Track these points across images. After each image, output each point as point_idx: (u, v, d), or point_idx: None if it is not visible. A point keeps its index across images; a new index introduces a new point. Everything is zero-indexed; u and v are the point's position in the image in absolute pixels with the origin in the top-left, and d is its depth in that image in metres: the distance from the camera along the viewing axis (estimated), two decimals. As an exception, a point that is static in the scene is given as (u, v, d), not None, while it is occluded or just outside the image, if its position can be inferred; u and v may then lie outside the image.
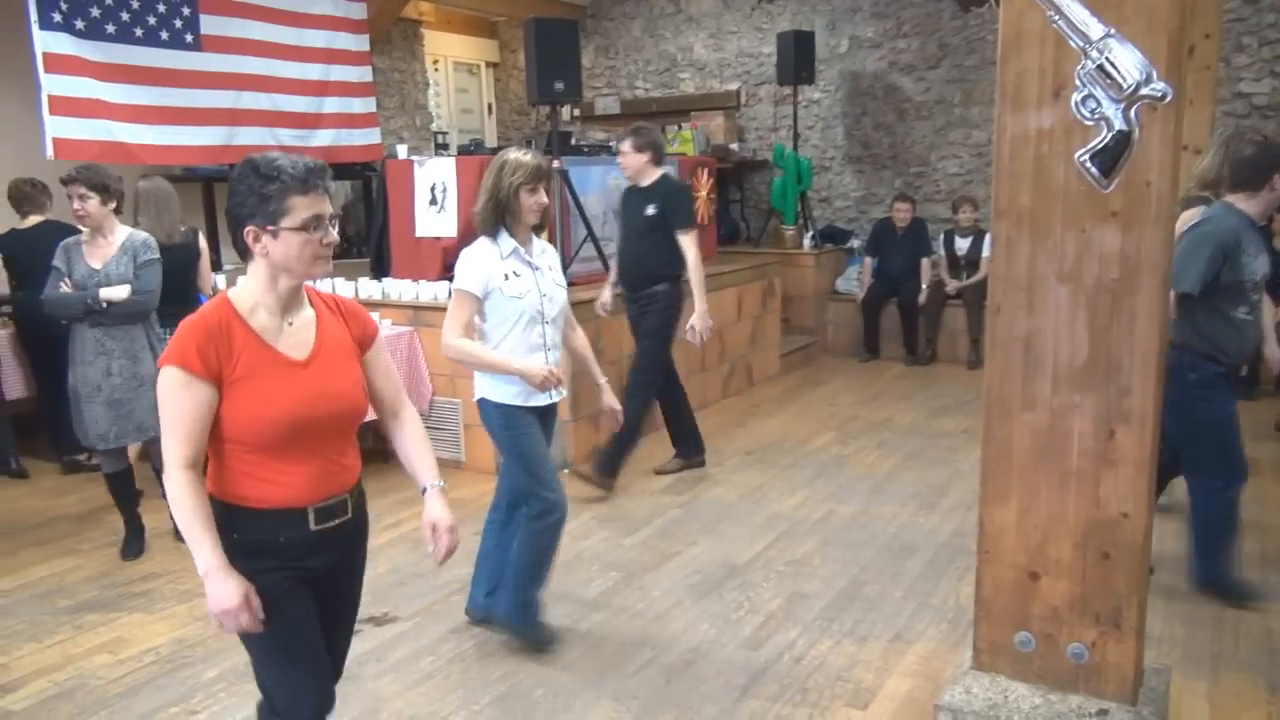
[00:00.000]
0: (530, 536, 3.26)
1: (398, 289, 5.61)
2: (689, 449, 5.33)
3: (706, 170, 7.53)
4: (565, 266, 5.50)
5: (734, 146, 8.99)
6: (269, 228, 1.87)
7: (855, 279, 8.45)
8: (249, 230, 1.89)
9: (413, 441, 2.19)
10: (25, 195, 5.28)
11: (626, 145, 4.90)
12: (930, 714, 2.71)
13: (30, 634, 3.57)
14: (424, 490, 2.15)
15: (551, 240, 5.87)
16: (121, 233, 4.16)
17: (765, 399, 6.98)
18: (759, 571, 3.98)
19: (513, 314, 3.13)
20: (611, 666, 3.23)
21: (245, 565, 1.92)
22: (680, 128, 8.75)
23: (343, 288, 5.75)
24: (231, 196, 1.90)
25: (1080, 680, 2.51)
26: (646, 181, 4.92)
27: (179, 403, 1.86)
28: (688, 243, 4.86)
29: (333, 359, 2.00)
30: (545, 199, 3.13)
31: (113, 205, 4.14)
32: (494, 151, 6.43)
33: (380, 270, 6.14)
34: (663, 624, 3.52)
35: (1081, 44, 2.31)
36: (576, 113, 9.82)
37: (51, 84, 5.53)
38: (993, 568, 2.58)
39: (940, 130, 8.49)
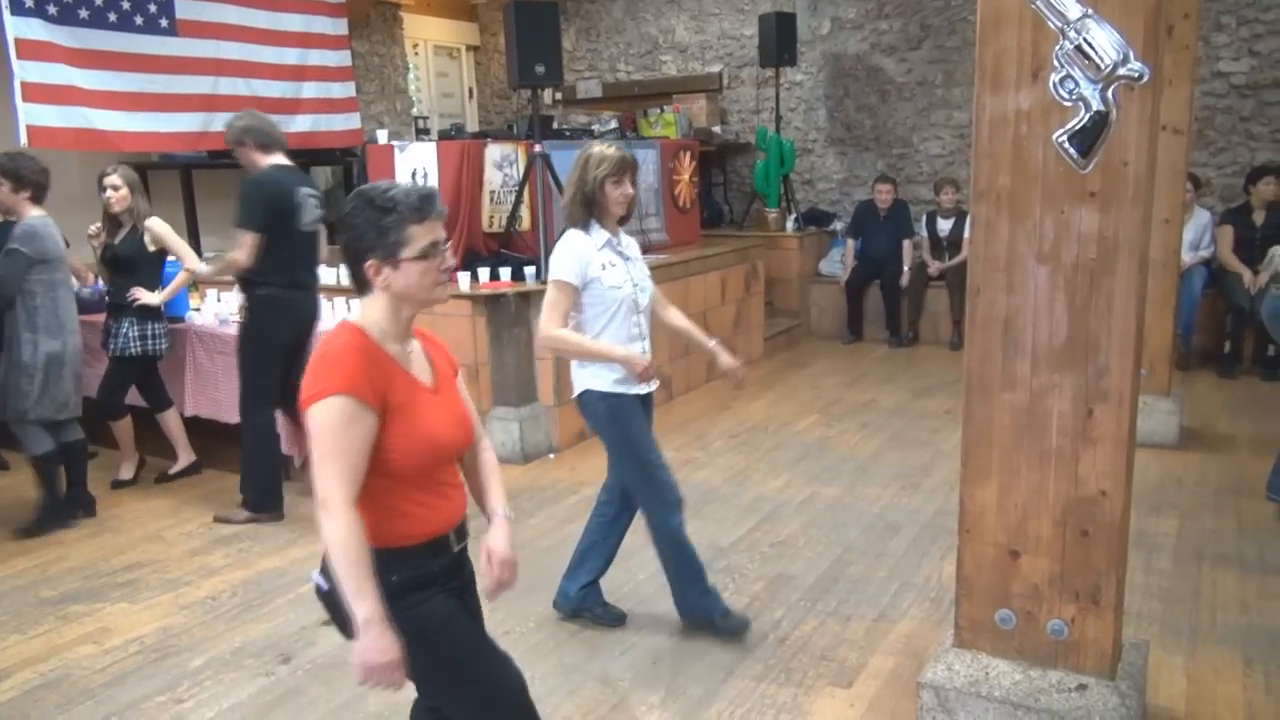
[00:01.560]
0: (662, 534, 3.24)
1: (380, 275, 5.58)
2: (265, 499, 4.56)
3: (689, 153, 7.53)
4: (548, 252, 5.49)
5: (716, 129, 8.98)
6: (389, 259, 1.85)
7: (838, 261, 8.47)
8: (370, 264, 1.86)
9: (488, 471, 2.15)
10: None
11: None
12: (913, 691, 2.75)
13: (14, 625, 3.56)
14: (491, 517, 2.10)
15: (533, 225, 5.87)
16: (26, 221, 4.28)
17: (750, 382, 6.97)
18: (744, 553, 4.00)
19: (612, 304, 3.12)
20: (598, 649, 3.25)
21: (409, 601, 1.88)
22: (663, 110, 8.73)
23: (327, 274, 5.71)
24: (347, 232, 1.88)
25: (1060, 656, 2.55)
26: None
27: (345, 435, 1.77)
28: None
29: (448, 385, 2.04)
30: (631, 190, 3.14)
31: (26, 194, 4.27)
32: (475, 136, 6.42)
33: (362, 256, 6.11)
34: (649, 606, 3.54)
35: (1059, 24, 2.32)
36: (558, 96, 9.78)
37: (24, 70, 5.47)
38: (974, 546, 2.61)
39: (922, 111, 8.50)
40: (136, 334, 4.73)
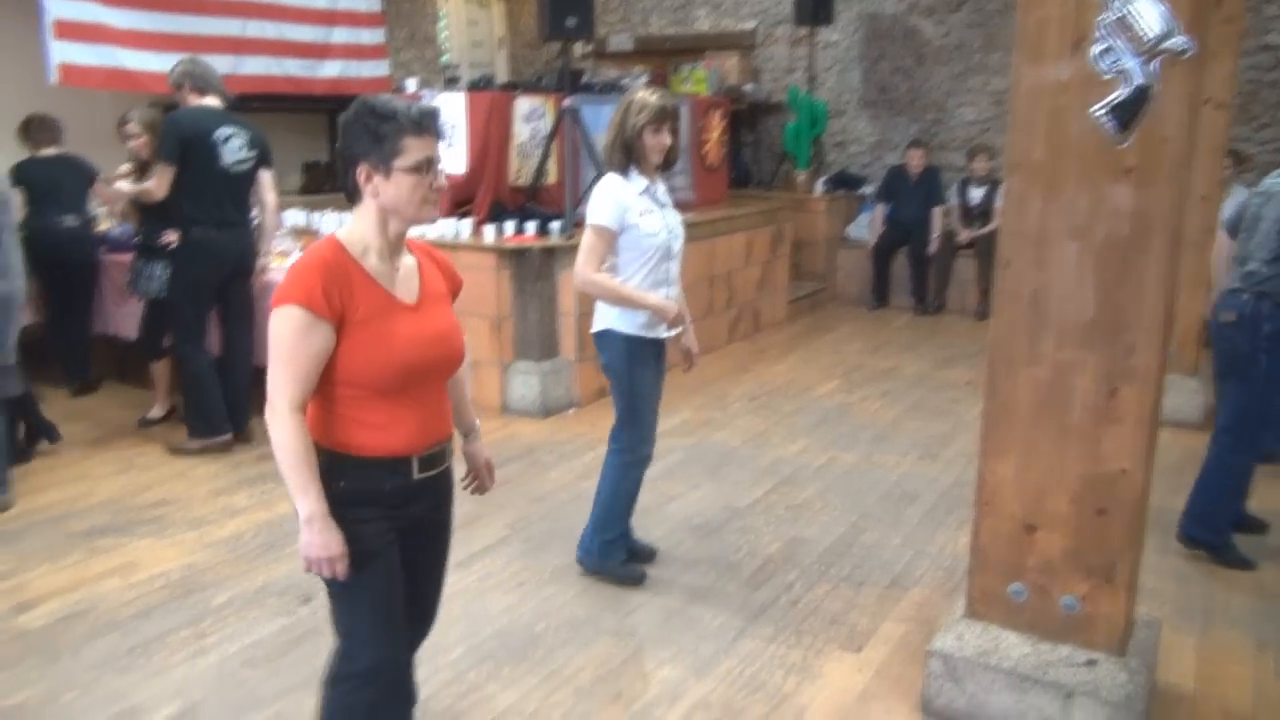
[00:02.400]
0: (615, 475, 3.38)
1: (406, 225, 5.60)
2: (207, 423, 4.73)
3: (719, 112, 7.45)
4: (574, 206, 5.48)
5: (748, 88, 8.88)
6: (381, 166, 1.87)
7: (866, 226, 8.40)
8: (361, 169, 1.89)
9: (466, 391, 2.27)
10: (41, 127, 5.29)
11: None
12: (922, 659, 2.78)
13: (45, 555, 3.66)
14: (469, 431, 2.29)
15: (561, 181, 5.85)
16: None
17: (771, 345, 7.00)
18: (760, 515, 4.04)
19: (648, 250, 3.18)
20: (612, 604, 3.30)
21: (348, 513, 1.94)
22: (694, 67, 8.64)
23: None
24: (344, 136, 1.90)
25: (1070, 631, 2.57)
26: None
27: (296, 343, 1.86)
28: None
29: (437, 304, 2.03)
30: (669, 139, 3.16)
31: None
32: (504, 88, 6.38)
33: (388, 206, 6.12)
34: (663, 564, 3.59)
35: (1105, -5, 2.28)
36: (589, 49, 9.67)
37: (57, 7, 5.47)
38: (990, 519, 2.63)
39: (959, 76, 8.36)
40: (169, 276, 4.78)
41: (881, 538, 3.85)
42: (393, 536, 2.02)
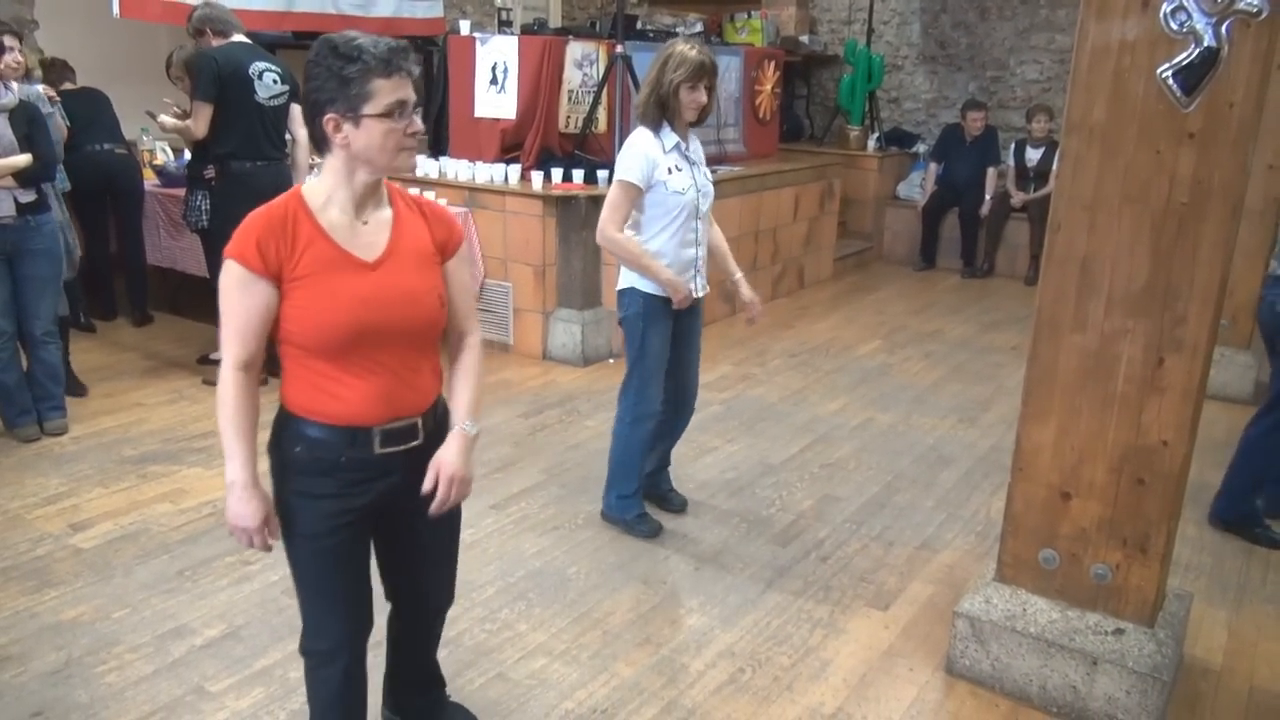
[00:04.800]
0: (622, 430, 3.38)
1: (454, 169, 5.62)
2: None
3: (773, 63, 7.32)
4: (622, 156, 5.44)
5: (804, 39, 8.70)
6: (350, 114, 1.71)
7: (918, 185, 8.26)
8: (328, 118, 1.72)
9: (468, 370, 1.99)
10: (57, 66, 5.33)
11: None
12: (949, 620, 2.79)
13: (98, 479, 3.79)
14: (454, 429, 1.94)
15: (610, 129, 5.81)
16: None
17: (815, 302, 6.95)
18: (794, 472, 4.05)
19: (675, 208, 3.13)
20: (643, 552, 3.34)
21: (300, 484, 1.86)
22: (750, 16, 8.46)
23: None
24: (308, 81, 1.74)
25: (1100, 599, 2.56)
26: None
27: (235, 299, 1.75)
28: None
29: (406, 262, 1.84)
30: (705, 97, 3.09)
31: None
32: (557, 32, 6.32)
33: (438, 149, 6.14)
34: (696, 515, 3.62)
35: (1178, -49, 2.19)
36: (644, -6, 9.52)
37: (117, -60, 5.50)
38: (1025, 485, 2.61)
39: (1023, 33, 8.11)
40: (209, 206, 4.85)
41: (914, 499, 3.84)
42: (349, 519, 1.88)
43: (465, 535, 3.39)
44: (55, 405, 4.19)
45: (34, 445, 4.06)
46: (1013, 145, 7.83)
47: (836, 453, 4.27)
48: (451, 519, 2.06)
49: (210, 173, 4.63)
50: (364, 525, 1.93)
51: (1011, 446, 2.66)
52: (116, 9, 5.54)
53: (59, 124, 4.76)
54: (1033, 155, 7.68)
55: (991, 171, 7.77)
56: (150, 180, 5.78)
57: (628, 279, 3.25)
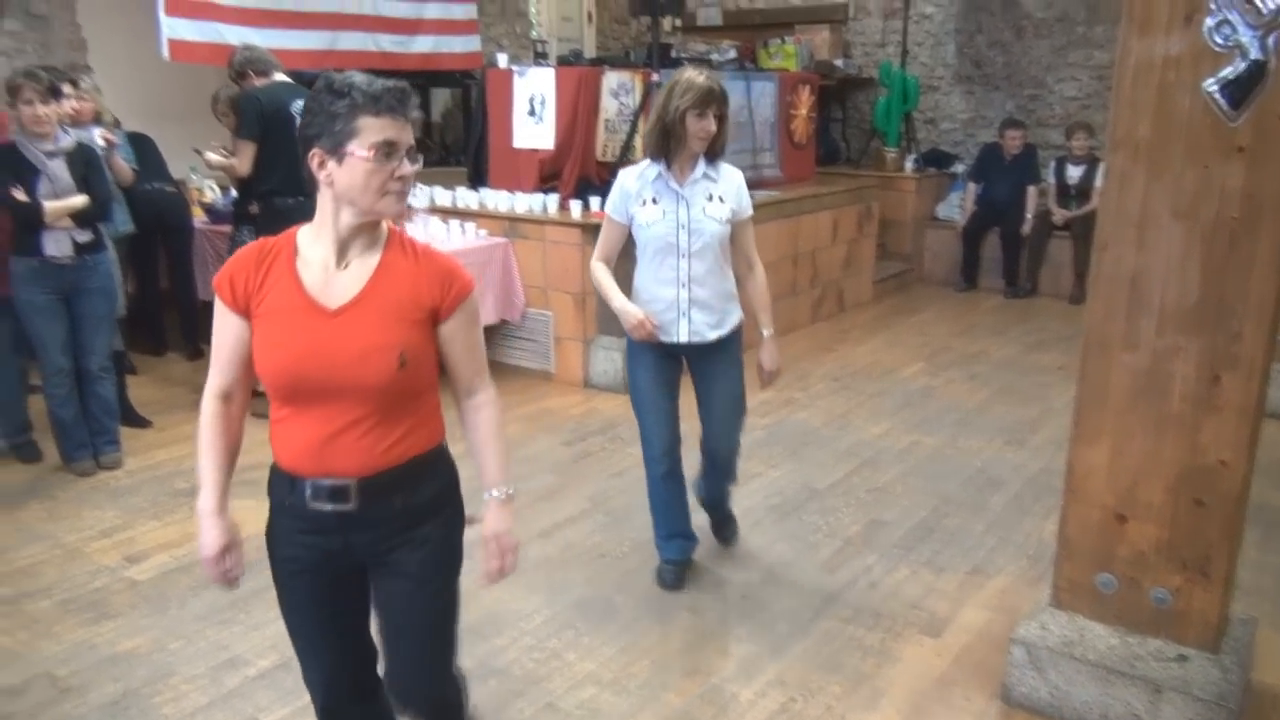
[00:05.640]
0: (646, 479, 3.27)
1: (494, 199, 5.69)
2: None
3: (808, 87, 7.35)
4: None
5: (838, 63, 8.72)
6: (334, 150, 1.65)
7: (957, 205, 8.20)
8: (314, 154, 1.67)
9: (485, 434, 1.88)
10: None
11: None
12: (1003, 647, 2.75)
13: (152, 512, 3.87)
14: (486, 498, 1.87)
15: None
16: None
17: (856, 325, 6.92)
18: (839, 497, 4.02)
19: (647, 244, 3.03)
20: (689, 580, 3.33)
21: (273, 521, 1.85)
22: (784, 41, 8.51)
23: (441, 196, 5.86)
24: (302, 118, 1.71)
25: (1161, 625, 2.50)
26: None
27: (216, 328, 1.78)
28: None
29: (372, 314, 1.71)
30: (713, 126, 2.91)
31: None
32: (593, 63, 6.40)
33: (477, 180, 6.22)
34: (741, 543, 3.61)
35: (1221, -35, 2.18)
36: (678, 23, 9.61)
37: (166, -16, 5.69)
38: (1079, 507, 2.57)
39: (1060, 50, 8.07)
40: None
41: (964, 523, 3.79)
42: (297, 567, 1.83)
43: (511, 564, 3.42)
44: (110, 440, 4.29)
45: (90, 479, 4.15)
46: (1052, 163, 7.77)
47: (882, 477, 4.23)
48: (435, 595, 1.88)
49: (254, 208, 4.74)
50: (319, 579, 1.84)
51: (1062, 468, 2.62)
52: (166, 53, 5.73)
53: (123, 166, 4.90)
54: (1073, 173, 7.61)
55: (1032, 190, 7.70)
56: (199, 217, 5.92)
57: None
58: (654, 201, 3.00)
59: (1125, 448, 2.48)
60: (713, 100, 2.90)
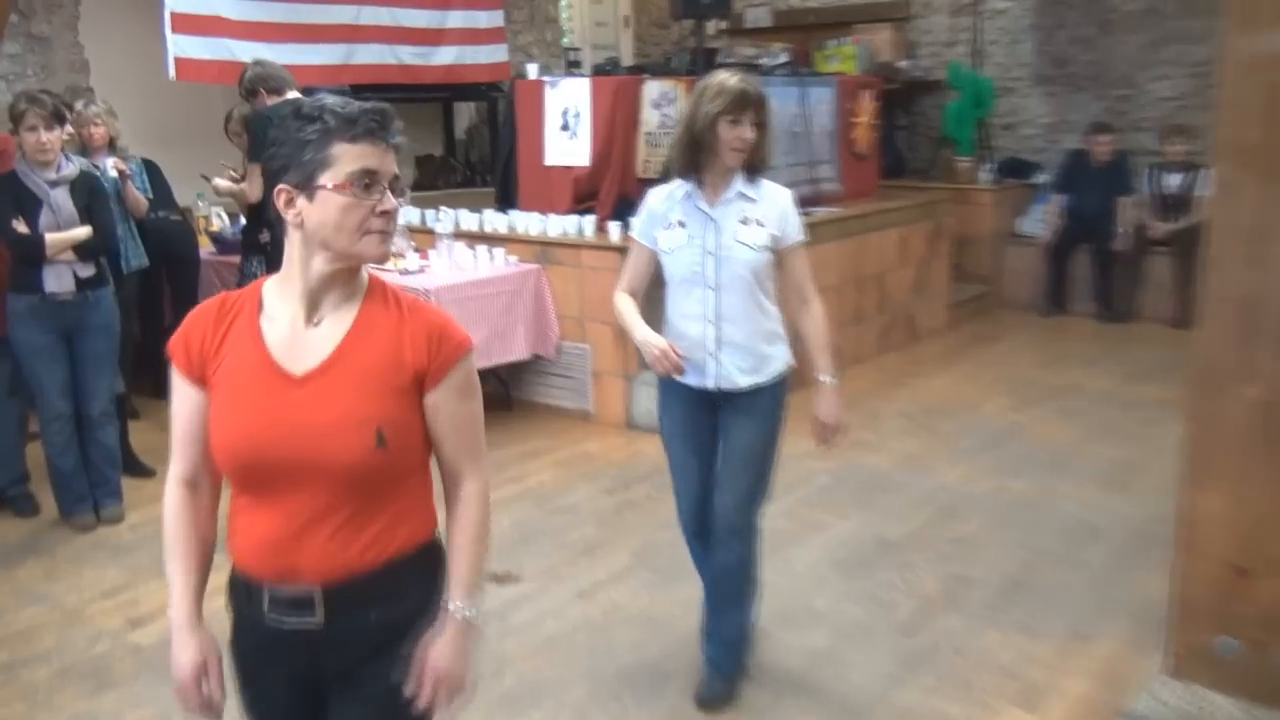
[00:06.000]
0: None
1: (524, 222, 5.76)
2: None
3: (869, 93, 7.36)
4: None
5: (903, 64, 8.74)
6: (304, 184, 1.53)
7: (1040, 220, 8.14)
8: (280, 190, 1.55)
9: (458, 532, 1.70)
10: None
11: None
12: (1110, 721, 2.68)
13: (156, 570, 3.89)
14: (445, 609, 1.66)
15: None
16: None
17: (929, 356, 6.88)
18: (916, 550, 3.98)
19: (666, 271, 2.93)
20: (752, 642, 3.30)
21: (238, 640, 1.73)
22: (841, 43, 8.55)
23: (466, 220, 5.94)
24: (267, 148, 1.60)
25: (1293, 695, 2.43)
26: None
27: (174, 401, 1.67)
28: None
29: (347, 380, 1.58)
30: (750, 134, 2.77)
31: None
32: (631, 71, 6.48)
33: (506, 201, 6.31)
34: (805, 601, 3.57)
35: (1340, -51, 2.16)
36: (723, 26, 9.71)
37: (173, 0, 5.87)
38: (1194, 561, 2.52)
39: (1152, 45, 8.01)
40: (265, 273, 5.06)
41: (1060, 579, 3.73)
42: (255, 692, 1.73)
43: (548, 627, 3.42)
44: (112, 491, 4.37)
45: (90, 534, 4.23)
46: (1147, 171, 7.69)
47: (964, 527, 4.18)
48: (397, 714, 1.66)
49: (265, 237, 4.83)
50: (285, 705, 1.72)
51: (1171, 516, 2.58)
52: (172, 72, 5.91)
53: (138, 197, 5.04)
54: (1171, 181, 7.52)
55: (1124, 201, 7.62)
56: (206, 248, 6.06)
57: None
58: (680, 225, 2.88)
59: (1245, 492, 2.42)
60: (748, 104, 2.76)
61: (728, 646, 3.05)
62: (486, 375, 5.70)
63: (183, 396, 1.65)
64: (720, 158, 2.80)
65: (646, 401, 5.39)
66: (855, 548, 4.00)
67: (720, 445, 2.98)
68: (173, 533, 1.70)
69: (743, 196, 2.86)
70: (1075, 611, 3.49)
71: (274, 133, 1.58)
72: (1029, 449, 5.07)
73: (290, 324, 1.61)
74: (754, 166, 2.86)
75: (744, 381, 2.89)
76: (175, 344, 1.65)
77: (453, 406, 1.66)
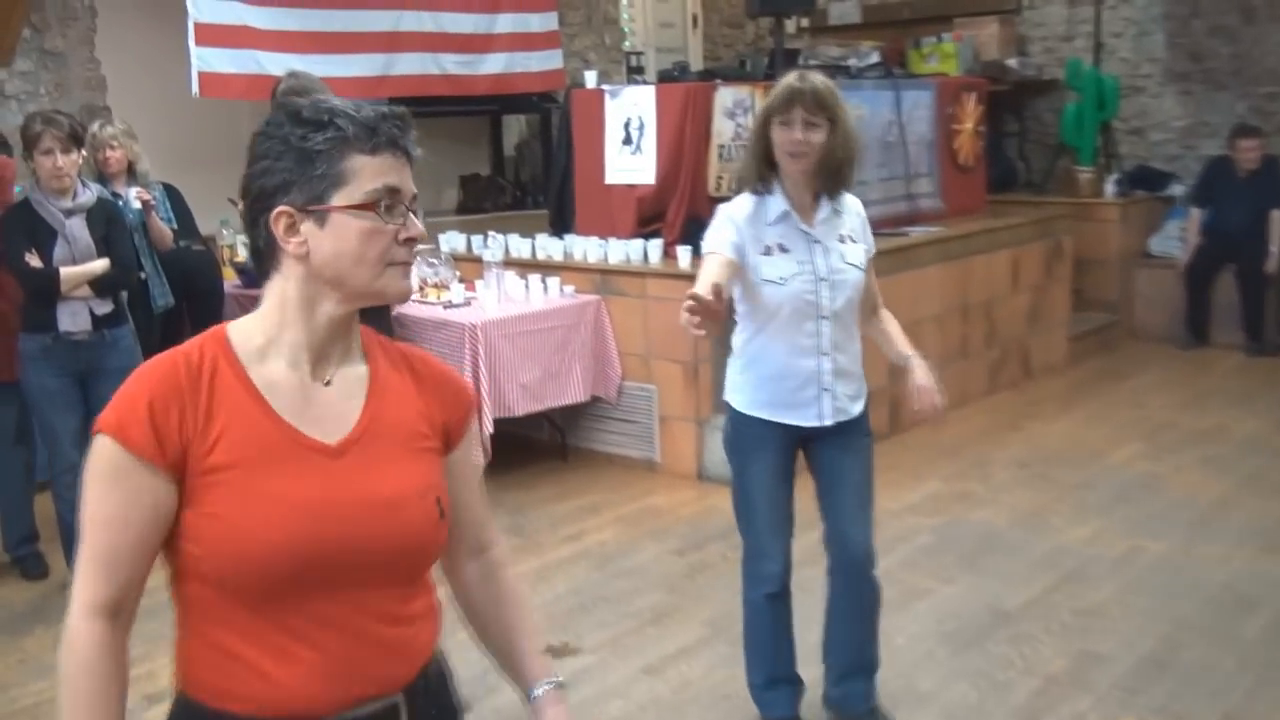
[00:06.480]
0: (743, 600, 3.21)
1: (582, 247, 5.83)
2: None
3: (974, 95, 7.34)
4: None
5: (1012, 63, 8.72)
6: (312, 205, 1.40)
7: (1177, 238, 8.06)
8: (279, 212, 1.41)
9: (517, 601, 1.69)
10: None
11: None
12: (1272, 825, 2.60)
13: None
14: (533, 696, 1.65)
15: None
16: None
17: (1048, 396, 6.82)
18: (1036, 621, 3.93)
19: (771, 303, 2.91)
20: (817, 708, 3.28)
21: None
22: (940, 39, 8.55)
23: (518, 246, 6.02)
24: (252, 164, 1.45)
25: None
26: None
27: (102, 499, 1.38)
28: None
29: (387, 447, 1.49)
30: (799, 134, 2.77)
31: None
32: (702, 76, 6.54)
33: (562, 225, 6.39)
34: (908, 680, 3.54)
35: None
36: (804, 24, 9.77)
37: (198, 9, 6.09)
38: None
39: (1306, 34, 7.88)
40: None
41: (1208, 656, 3.65)
42: None
43: (612, 708, 3.42)
44: (126, 551, 4.46)
45: (103, 599, 4.33)
46: (1303, 179, 7.55)
47: (1093, 595, 4.12)
48: None
49: None
50: None
51: (1344, 584, 2.50)
52: (195, 87, 6.10)
53: (163, 229, 5.18)
54: (1332, 191, 7.38)
55: (1276, 215, 7.49)
56: (230, 280, 6.22)
57: (727, 385, 3.14)
58: (782, 249, 2.90)
59: None
60: (798, 100, 2.77)
61: (868, 675, 3.23)
62: (539, 421, 5.76)
63: (131, 489, 1.37)
64: (782, 167, 2.86)
65: (720, 449, 5.36)
66: (965, 618, 3.96)
67: (827, 481, 3.10)
68: (86, 684, 1.38)
69: (835, 211, 2.96)
70: (1227, 694, 3.42)
71: (264, 143, 1.44)
72: (1167, 504, 4.99)
73: (292, 383, 1.45)
74: (833, 178, 2.88)
75: (856, 409, 3.06)
76: (128, 418, 1.36)
77: (470, 463, 1.65)
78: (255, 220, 1.44)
